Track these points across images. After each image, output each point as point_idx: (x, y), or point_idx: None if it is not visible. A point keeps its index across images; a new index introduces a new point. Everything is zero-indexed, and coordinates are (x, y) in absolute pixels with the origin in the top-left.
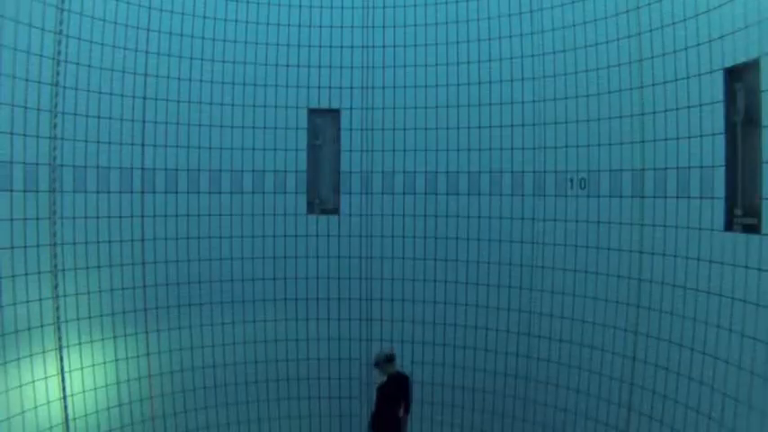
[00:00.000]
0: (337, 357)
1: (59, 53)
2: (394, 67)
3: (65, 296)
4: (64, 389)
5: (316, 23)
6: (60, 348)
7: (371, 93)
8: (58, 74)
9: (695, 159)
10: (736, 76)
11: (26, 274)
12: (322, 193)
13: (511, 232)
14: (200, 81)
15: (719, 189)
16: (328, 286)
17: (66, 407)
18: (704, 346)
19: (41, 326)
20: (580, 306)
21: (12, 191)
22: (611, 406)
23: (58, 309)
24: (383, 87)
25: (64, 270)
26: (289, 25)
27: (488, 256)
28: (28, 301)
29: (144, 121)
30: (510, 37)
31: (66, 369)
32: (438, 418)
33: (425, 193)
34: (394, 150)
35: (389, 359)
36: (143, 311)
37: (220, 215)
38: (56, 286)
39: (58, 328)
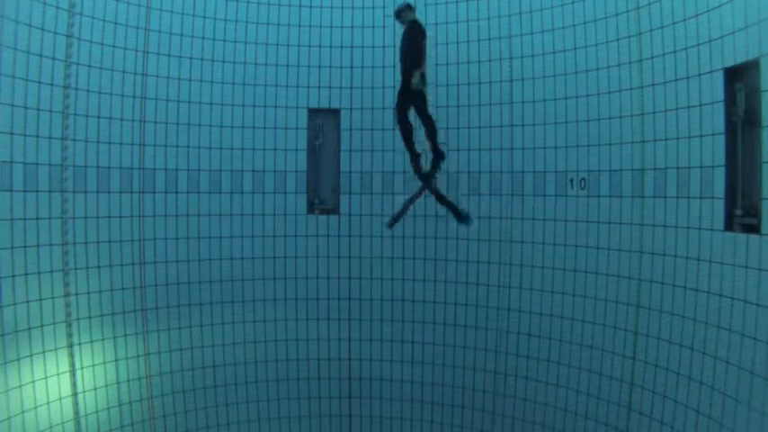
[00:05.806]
0: (337, 357)
1: (66, 55)
2: (394, 66)
3: (65, 296)
4: (75, 385)
5: (315, 23)
6: (71, 346)
7: (371, 93)
8: (63, 75)
9: (695, 159)
10: (737, 76)
11: (26, 274)
12: (322, 193)
13: (511, 232)
14: (200, 81)
15: (719, 189)
16: (328, 286)
17: (76, 404)
18: (704, 346)
19: (41, 325)
20: (580, 306)
21: (12, 191)
22: (611, 406)
23: (68, 307)
24: (383, 87)
25: (66, 270)
26: (289, 25)
27: (488, 255)
28: (28, 301)
29: (144, 121)
30: (510, 37)
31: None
32: (438, 419)
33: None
34: (394, 150)
35: (409, 7)
36: (142, 311)
37: (220, 215)
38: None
39: (69, 326)
